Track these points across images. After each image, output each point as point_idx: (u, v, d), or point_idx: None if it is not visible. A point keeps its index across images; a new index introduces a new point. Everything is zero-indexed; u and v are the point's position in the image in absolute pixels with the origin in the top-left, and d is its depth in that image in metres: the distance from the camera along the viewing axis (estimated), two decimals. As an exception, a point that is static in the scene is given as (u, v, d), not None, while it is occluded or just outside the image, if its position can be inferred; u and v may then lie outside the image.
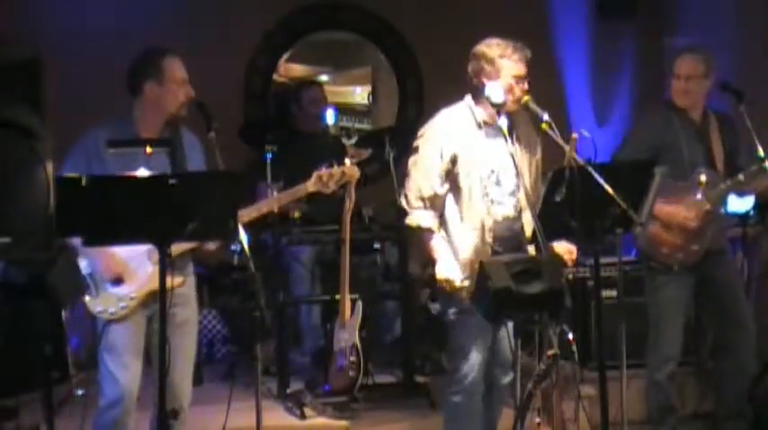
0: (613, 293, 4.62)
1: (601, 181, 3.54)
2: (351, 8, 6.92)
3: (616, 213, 3.60)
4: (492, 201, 3.93)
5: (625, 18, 7.06)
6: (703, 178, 4.49)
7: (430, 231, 3.94)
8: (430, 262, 3.97)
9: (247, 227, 3.73)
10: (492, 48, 3.89)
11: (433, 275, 3.95)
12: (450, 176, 3.94)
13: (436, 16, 6.75)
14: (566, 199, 3.58)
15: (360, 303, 4.97)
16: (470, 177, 3.91)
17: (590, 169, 3.56)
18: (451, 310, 3.97)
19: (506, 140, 3.83)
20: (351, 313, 4.94)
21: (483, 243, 3.91)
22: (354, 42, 7.37)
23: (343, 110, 7.95)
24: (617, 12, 7.03)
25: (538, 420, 3.75)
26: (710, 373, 5.07)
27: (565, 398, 3.82)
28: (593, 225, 3.66)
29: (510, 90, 3.86)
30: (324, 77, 7.88)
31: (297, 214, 5.27)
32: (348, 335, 4.95)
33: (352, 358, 4.94)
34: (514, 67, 3.87)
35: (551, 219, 3.63)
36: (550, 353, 3.57)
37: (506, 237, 3.97)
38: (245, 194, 4.02)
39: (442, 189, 3.93)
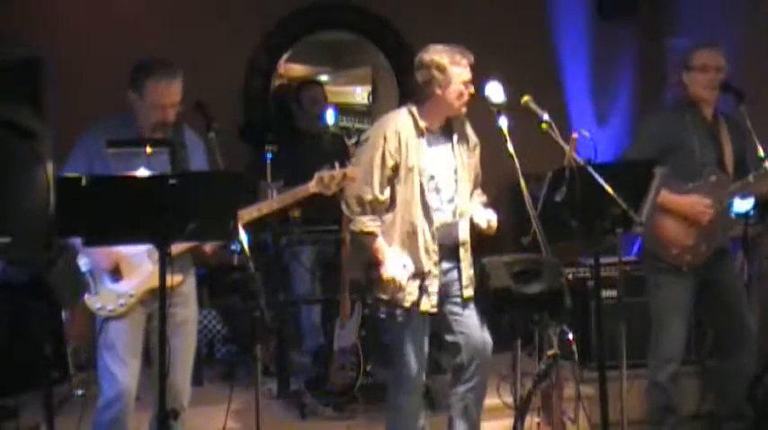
0: (613, 293, 4.61)
1: (601, 181, 3.54)
2: (351, 8, 6.92)
3: (616, 213, 3.60)
4: (431, 208, 3.96)
5: (625, 18, 7.06)
6: (713, 179, 4.49)
7: (373, 235, 3.96)
8: (374, 264, 3.97)
9: (247, 227, 3.73)
10: (441, 56, 3.92)
11: (376, 278, 3.95)
12: (391, 182, 3.97)
13: (436, 16, 6.75)
14: (566, 199, 3.58)
15: (360, 303, 4.97)
16: (411, 183, 3.94)
17: (590, 169, 3.56)
18: (398, 312, 3.98)
19: (506, 140, 3.83)
20: (351, 313, 4.95)
21: (421, 248, 3.94)
22: (354, 42, 7.37)
23: (343, 110, 7.95)
24: (617, 12, 7.03)
25: (538, 420, 3.76)
26: (711, 373, 5.07)
27: (565, 398, 3.82)
28: (593, 225, 3.67)
29: (460, 95, 3.94)
30: (324, 77, 7.88)
31: (297, 214, 5.27)
32: (348, 334, 4.95)
33: (352, 358, 4.95)
34: (463, 72, 3.93)
35: (551, 219, 3.63)
36: (550, 353, 3.57)
37: (444, 244, 4.00)
38: (245, 194, 4.01)
39: (384, 195, 3.97)
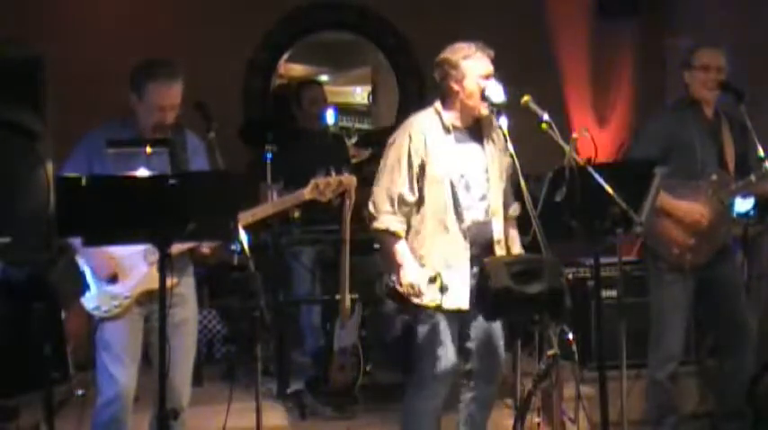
0: (613, 293, 4.61)
1: (601, 181, 3.54)
2: (351, 8, 6.92)
3: (616, 213, 3.60)
4: (462, 206, 3.90)
5: (626, 17, 7.07)
6: (715, 177, 4.49)
7: (397, 236, 3.88)
8: (394, 268, 3.87)
9: (248, 227, 3.73)
10: (455, 52, 3.89)
11: (394, 285, 3.86)
12: (420, 182, 3.90)
13: (436, 16, 6.76)
14: (566, 199, 3.58)
15: (359, 303, 4.97)
16: (439, 181, 3.89)
17: (590, 169, 3.56)
18: (422, 315, 3.90)
19: (506, 141, 3.82)
20: (351, 313, 4.95)
21: (452, 246, 3.88)
22: (354, 42, 7.38)
23: (344, 110, 7.97)
24: (617, 11, 7.04)
25: (538, 420, 3.76)
26: (710, 373, 5.07)
27: (565, 398, 3.82)
28: (593, 225, 3.67)
29: (478, 89, 3.87)
30: (324, 77, 7.90)
31: (297, 214, 5.27)
32: (348, 334, 4.95)
33: (352, 358, 4.95)
34: (479, 65, 3.87)
35: (551, 220, 3.63)
36: (550, 353, 3.57)
37: (477, 242, 3.93)
38: (246, 195, 4.00)
39: (412, 196, 3.90)
